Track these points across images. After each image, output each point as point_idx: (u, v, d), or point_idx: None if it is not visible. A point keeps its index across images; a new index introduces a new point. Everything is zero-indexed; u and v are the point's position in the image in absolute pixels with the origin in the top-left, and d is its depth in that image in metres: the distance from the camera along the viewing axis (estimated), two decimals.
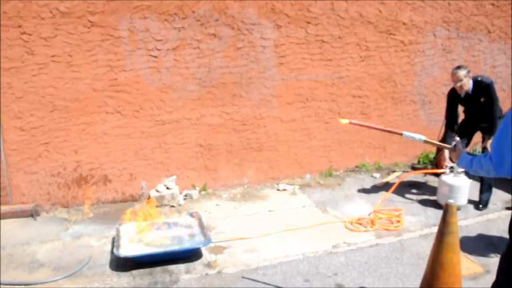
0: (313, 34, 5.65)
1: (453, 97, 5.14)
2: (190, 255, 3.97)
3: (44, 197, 5.11)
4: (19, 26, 4.67)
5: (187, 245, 4.04)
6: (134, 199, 5.40)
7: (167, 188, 5.33)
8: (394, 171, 6.25)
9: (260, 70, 5.55)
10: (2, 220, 4.77)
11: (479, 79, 4.94)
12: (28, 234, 4.55)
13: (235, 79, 5.47)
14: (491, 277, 2.69)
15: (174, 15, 5.09)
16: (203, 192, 5.60)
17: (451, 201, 3.12)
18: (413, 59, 6.17)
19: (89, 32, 4.87)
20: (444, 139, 5.26)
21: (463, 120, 5.34)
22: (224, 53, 5.36)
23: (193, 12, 5.14)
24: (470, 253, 4.08)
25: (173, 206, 5.22)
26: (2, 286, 3.63)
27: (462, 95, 5.00)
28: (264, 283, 3.66)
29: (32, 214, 4.92)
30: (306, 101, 5.84)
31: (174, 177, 5.45)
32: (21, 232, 4.59)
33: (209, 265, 3.92)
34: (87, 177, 5.20)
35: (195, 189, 5.57)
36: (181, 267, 3.88)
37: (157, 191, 5.31)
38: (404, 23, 6.01)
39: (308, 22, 5.59)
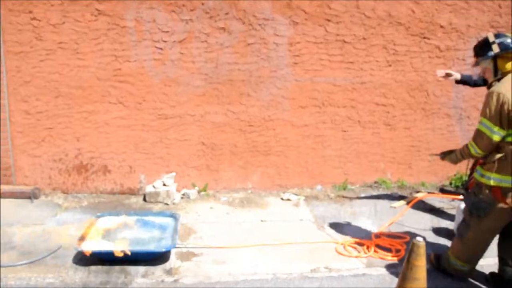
0: (333, 33, 5.16)
1: None
2: (151, 258, 3.74)
3: (46, 181, 5.19)
4: (30, 12, 4.75)
5: (150, 247, 3.81)
6: (132, 192, 5.31)
7: (164, 184, 5.18)
8: (418, 191, 5.54)
9: (271, 68, 5.18)
10: (1, 199, 4.91)
11: None
12: (17, 216, 4.61)
13: (243, 76, 5.16)
14: None
15: (182, 7, 4.90)
16: (202, 193, 5.36)
17: (419, 239, 2.57)
18: (451, 68, 5.39)
19: (96, 21, 4.84)
20: None
21: None
22: (233, 48, 5.07)
23: (202, 4, 4.91)
24: None
25: (167, 204, 5.05)
26: None
27: None
28: None
29: (30, 196, 5.01)
30: (322, 105, 5.36)
31: (174, 174, 5.27)
32: (12, 213, 4.66)
33: (169, 271, 3.67)
34: (87, 165, 5.20)
35: (195, 188, 5.35)
36: (140, 269, 3.66)
37: (153, 187, 5.16)
38: (441, 26, 5.29)
39: (328, 20, 5.11)
